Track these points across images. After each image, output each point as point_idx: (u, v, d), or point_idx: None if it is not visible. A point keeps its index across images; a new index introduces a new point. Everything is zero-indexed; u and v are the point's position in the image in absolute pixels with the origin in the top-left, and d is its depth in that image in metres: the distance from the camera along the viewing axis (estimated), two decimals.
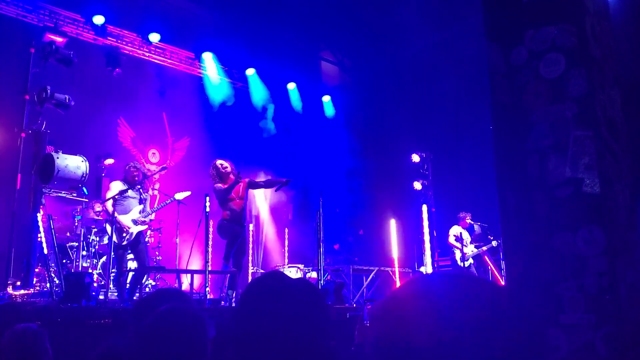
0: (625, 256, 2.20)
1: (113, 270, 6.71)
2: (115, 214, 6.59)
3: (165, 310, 1.81)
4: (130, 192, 6.75)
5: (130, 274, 6.97)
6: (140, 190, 6.94)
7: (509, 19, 2.54)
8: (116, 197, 6.61)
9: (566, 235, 2.26)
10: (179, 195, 7.08)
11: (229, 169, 6.98)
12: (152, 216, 6.98)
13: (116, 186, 6.77)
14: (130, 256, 7.30)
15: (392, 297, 1.03)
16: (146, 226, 7.05)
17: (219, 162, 7.08)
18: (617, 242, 2.18)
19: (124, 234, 6.66)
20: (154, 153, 10.58)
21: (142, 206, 6.88)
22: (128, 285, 6.82)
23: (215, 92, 11.03)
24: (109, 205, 6.63)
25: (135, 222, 6.73)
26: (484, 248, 9.47)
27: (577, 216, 2.25)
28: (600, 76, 2.34)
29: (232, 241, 6.74)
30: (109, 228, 6.60)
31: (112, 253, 6.45)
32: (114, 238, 6.55)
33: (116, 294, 6.99)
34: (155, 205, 7.57)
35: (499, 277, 9.03)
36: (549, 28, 2.43)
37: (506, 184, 2.46)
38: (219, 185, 6.89)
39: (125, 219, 6.66)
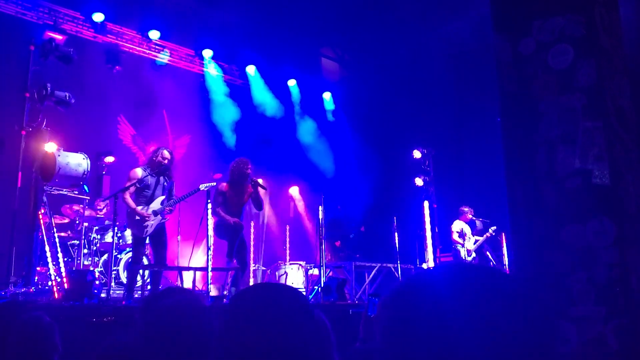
0: (637, 247, 2.18)
1: (115, 268, 6.64)
2: (132, 204, 6.26)
3: (169, 304, 1.80)
4: (150, 179, 6.39)
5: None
6: (166, 177, 6.58)
7: (516, 10, 2.51)
8: (137, 185, 6.31)
9: (576, 227, 2.24)
10: (204, 186, 6.69)
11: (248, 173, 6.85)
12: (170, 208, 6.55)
13: (136, 174, 6.43)
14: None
15: (400, 287, 1.02)
16: (167, 218, 6.64)
17: (248, 164, 6.89)
18: (628, 232, 2.16)
19: (144, 226, 6.29)
20: None
21: (164, 197, 6.51)
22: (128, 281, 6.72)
23: (216, 89, 10.99)
24: (127, 196, 6.27)
25: (155, 212, 6.38)
26: (483, 237, 9.46)
27: (587, 207, 2.22)
28: (609, 66, 2.32)
29: (232, 238, 6.73)
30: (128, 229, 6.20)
31: (118, 250, 6.36)
32: (134, 230, 6.26)
33: (119, 291, 6.93)
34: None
35: None
36: (557, 18, 2.41)
37: (515, 175, 2.44)
38: (223, 185, 6.86)
39: (146, 210, 6.32)
